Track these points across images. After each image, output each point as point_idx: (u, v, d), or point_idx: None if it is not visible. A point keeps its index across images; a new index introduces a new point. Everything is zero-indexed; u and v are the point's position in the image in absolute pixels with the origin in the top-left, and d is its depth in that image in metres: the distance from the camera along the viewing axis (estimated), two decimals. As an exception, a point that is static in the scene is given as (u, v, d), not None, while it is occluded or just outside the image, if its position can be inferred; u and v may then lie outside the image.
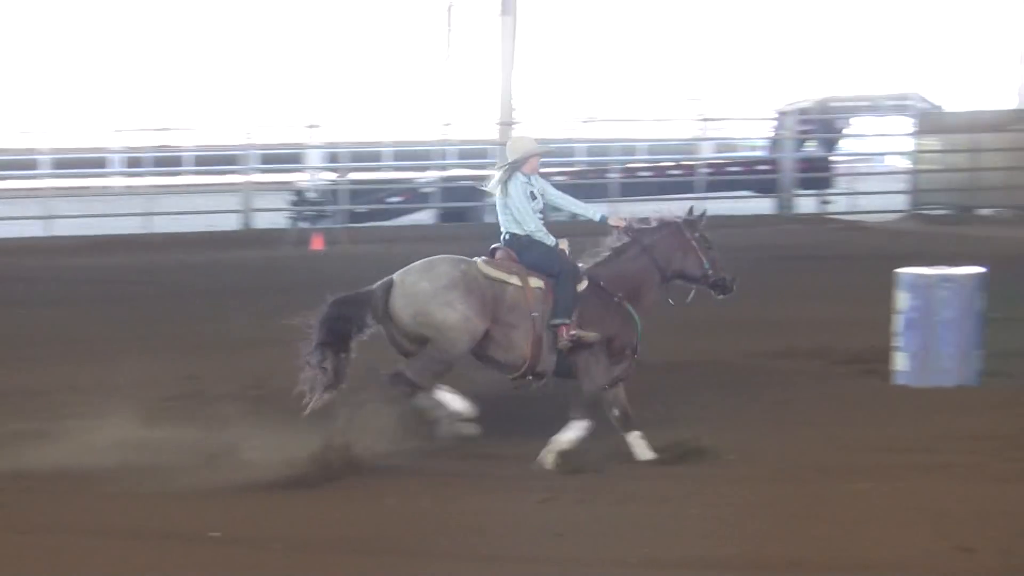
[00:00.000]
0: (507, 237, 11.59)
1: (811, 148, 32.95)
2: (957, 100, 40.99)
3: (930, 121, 32.03)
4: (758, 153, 34.55)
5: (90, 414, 11.64)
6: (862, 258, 23.26)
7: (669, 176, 31.31)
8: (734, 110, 41.26)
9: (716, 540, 9.35)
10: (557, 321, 11.29)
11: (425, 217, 30.32)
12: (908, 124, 32.00)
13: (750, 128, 37.37)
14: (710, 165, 31.86)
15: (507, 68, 31.61)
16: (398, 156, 33.16)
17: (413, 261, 11.53)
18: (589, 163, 32.30)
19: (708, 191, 30.67)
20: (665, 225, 11.89)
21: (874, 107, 33.47)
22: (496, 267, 11.42)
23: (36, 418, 12.11)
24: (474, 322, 11.20)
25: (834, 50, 49.63)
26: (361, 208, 29.68)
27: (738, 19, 47.05)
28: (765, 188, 31.81)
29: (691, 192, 30.40)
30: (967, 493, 10.24)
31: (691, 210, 12.06)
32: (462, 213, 30.15)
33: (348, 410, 11.11)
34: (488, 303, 11.25)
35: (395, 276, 11.41)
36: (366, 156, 32.73)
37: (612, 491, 10.42)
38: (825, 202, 31.92)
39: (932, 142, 31.72)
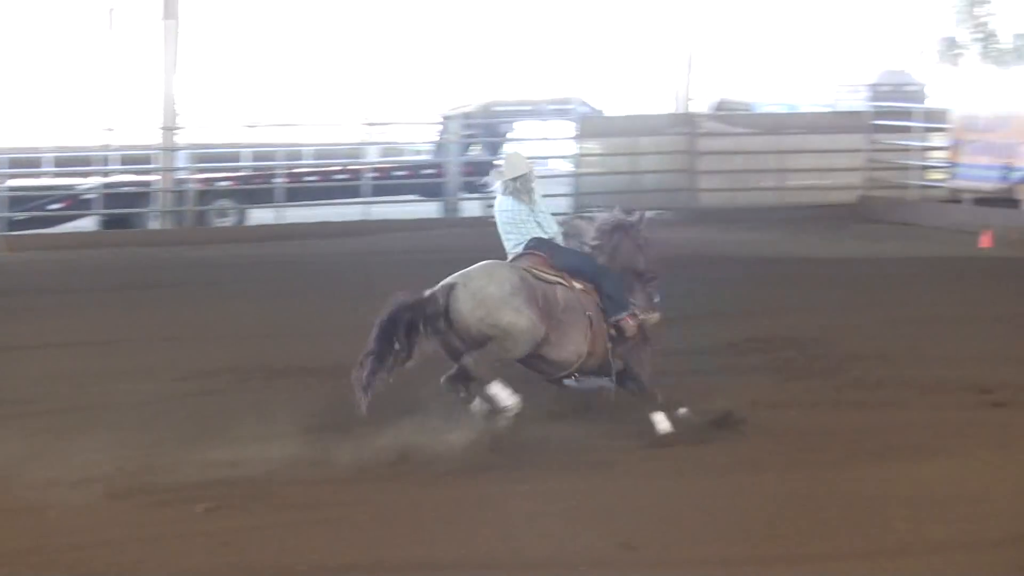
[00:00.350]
0: (532, 243, 12.28)
1: (476, 152, 33.29)
2: (618, 104, 42.02)
3: (592, 125, 32.66)
4: (423, 157, 34.74)
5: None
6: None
7: (335, 180, 31.23)
8: (399, 114, 41.48)
9: (392, 543, 9.41)
10: (622, 314, 12.08)
11: (88, 224, 29.66)
12: (570, 128, 32.55)
13: (415, 132, 37.57)
14: (376, 169, 31.88)
15: (169, 73, 31.06)
16: (59, 162, 32.30)
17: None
18: (254, 168, 31.98)
19: (374, 195, 30.75)
20: (621, 226, 12.57)
21: (536, 111, 33.94)
22: (544, 270, 12.01)
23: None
24: (539, 326, 11.67)
25: (498, 55, 50.33)
26: (20, 215, 28.86)
27: (404, 23, 47.31)
28: (431, 192, 32.01)
29: (357, 196, 30.47)
30: (629, 490, 10.49)
31: (632, 211, 12.78)
32: (125, 219, 29.61)
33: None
34: (544, 305, 11.76)
35: (455, 280, 11.72)
36: (25, 162, 31.82)
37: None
38: (490, 205, 32.19)
39: (593, 146, 32.36)
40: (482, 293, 11.64)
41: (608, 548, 9.28)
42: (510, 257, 12.36)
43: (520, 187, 12.49)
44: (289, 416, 12.19)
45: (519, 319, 11.59)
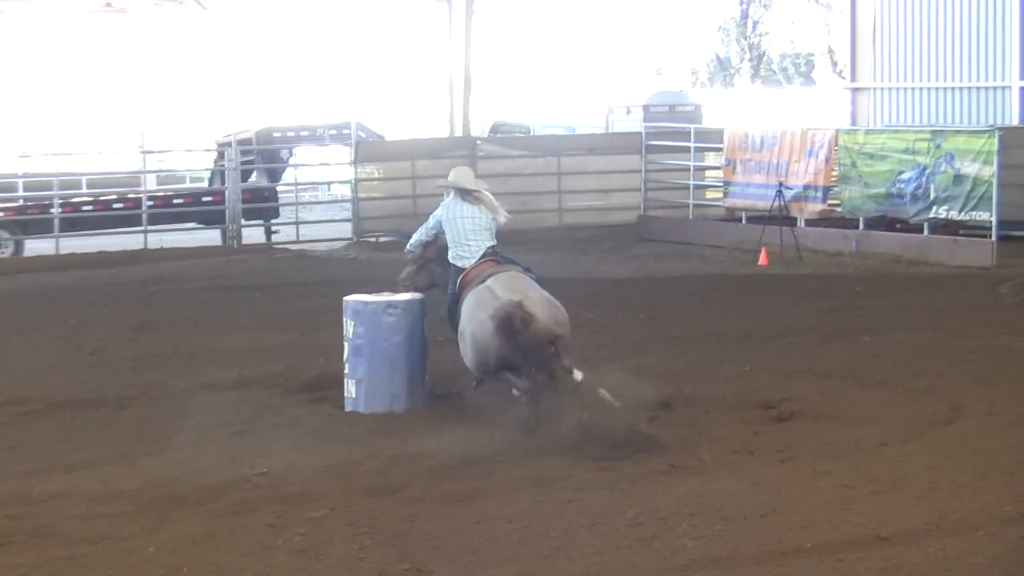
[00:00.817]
0: (489, 249, 13.59)
1: (254, 179, 33.06)
2: (397, 128, 42.10)
3: (370, 149, 32.63)
4: (202, 185, 34.40)
5: None
6: (312, 285, 23.53)
7: (113, 209, 30.76)
8: (177, 142, 41.01)
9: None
10: None
11: None
12: (349, 153, 32.49)
13: (193, 160, 37.16)
14: (154, 198, 31.48)
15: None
16: None
17: None
18: (29, 199, 31.36)
19: (153, 224, 30.38)
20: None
21: (315, 137, 33.82)
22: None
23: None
24: None
25: (278, 82, 50.18)
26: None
27: (182, 49, 46.91)
28: (211, 219, 31.71)
29: (136, 225, 30.07)
30: (420, 514, 10.51)
31: None
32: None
33: None
34: None
35: (512, 296, 12.63)
36: None
37: None
38: (272, 231, 32.10)
39: (373, 170, 32.34)
40: (549, 300, 12.81)
41: (400, 573, 9.28)
42: (468, 260, 13.55)
43: (477, 198, 13.68)
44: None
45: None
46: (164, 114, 43.68)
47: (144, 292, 23.78)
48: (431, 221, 14.15)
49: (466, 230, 13.60)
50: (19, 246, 30.02)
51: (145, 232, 30.04)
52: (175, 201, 31.93)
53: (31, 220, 30.31)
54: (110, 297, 23.17)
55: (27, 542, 9.94)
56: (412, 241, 14.52)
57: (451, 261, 13.74)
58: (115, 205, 30.89)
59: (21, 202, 31.22)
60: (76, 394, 14.92)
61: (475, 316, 12.88)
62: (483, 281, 13.18)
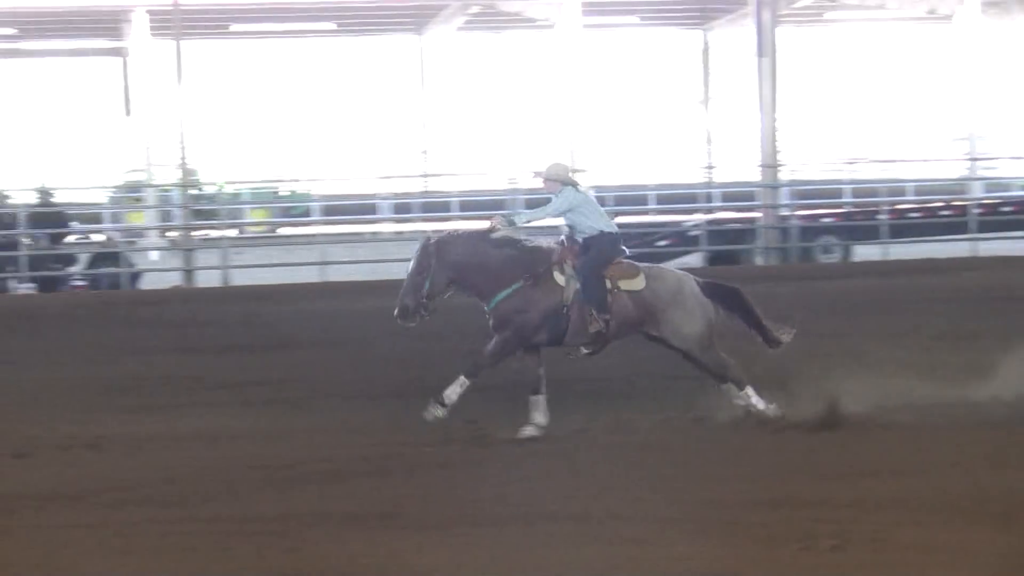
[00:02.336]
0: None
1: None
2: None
3: None
4: (1032, 192, 33.74)
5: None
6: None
7: (940, 216, 30.69)
8: (1005, 149, 40.37)
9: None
10: None
11: (693, 260, 30.21)
12: None
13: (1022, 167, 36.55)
14: (981, 205, 31.13)
15: (767, 110, 31.33)
16: (662, 199, 33.11)
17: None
18: (856, 204, 31.82)
19: (980, 231, 30.03)
20: None
21: None
22: None
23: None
24: None
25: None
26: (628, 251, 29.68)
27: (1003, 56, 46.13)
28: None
29: (963, 232, 29.82)
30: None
31: None
32: (730, 255, 30.00)
33: None
34: None
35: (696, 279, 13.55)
36: (631, 200, 32.75)
37: None
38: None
39: None
40: None
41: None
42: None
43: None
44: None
45: None
46: (992, 119, 43.13)
47: (971, 300, 23.32)
48: (557, 210, 13.70)
49: (592, 212, 13.55)
50: (847, 251, 30.44)
51: (973, 239, 29.72)
52: (1003, 209, 31.44)
53: (859, 226, 30.71)
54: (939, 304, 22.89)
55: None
56: (527, 217, 14.02)
57: (604, 230, 13.54)
58: (942, 212, 30.79)
59: (849, 208, 31.69)
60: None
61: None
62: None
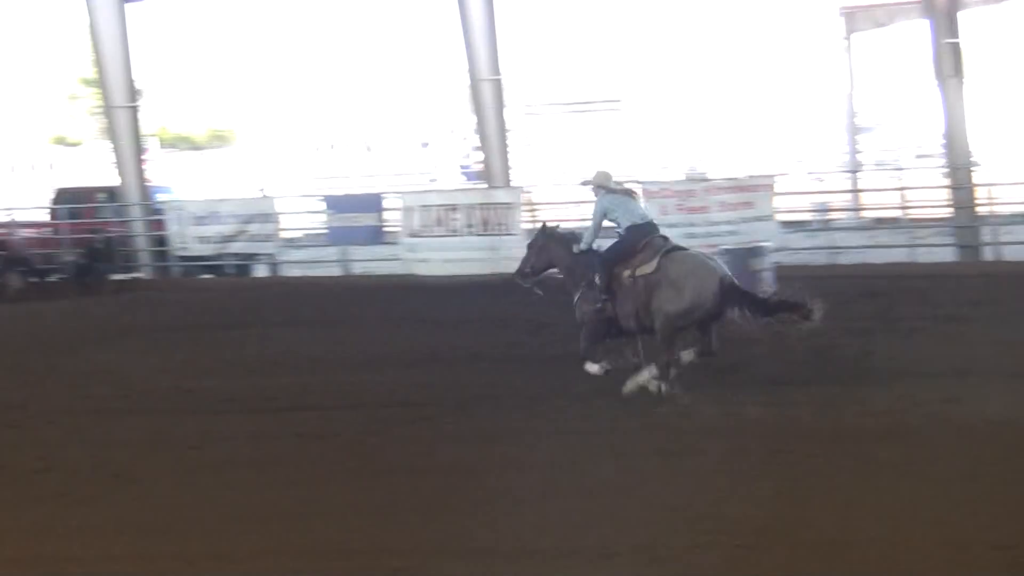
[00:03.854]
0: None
1: None
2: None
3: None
4: None
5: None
6: None
7: None
8: None
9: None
10: None
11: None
12: None
13: None
14: None
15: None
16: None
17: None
18: None
19: None
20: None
21: None
22: None
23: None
24: None
25: None
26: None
27: None
28: None
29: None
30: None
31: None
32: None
33: None
34: None
35: (715, 266, 14.27)
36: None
37: None
38: None
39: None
40: None
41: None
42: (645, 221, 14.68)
43: (626, 191, 15.19)
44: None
45: None
46: None
47: None
48: (597, 217, 14.84)
49: (628, 211, 14.66)
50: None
51: None
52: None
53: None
54: None
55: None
56: (585, 240, 14.94)
57: (632, 224, 14.59)
58: None
59: None
60: None
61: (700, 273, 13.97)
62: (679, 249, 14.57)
